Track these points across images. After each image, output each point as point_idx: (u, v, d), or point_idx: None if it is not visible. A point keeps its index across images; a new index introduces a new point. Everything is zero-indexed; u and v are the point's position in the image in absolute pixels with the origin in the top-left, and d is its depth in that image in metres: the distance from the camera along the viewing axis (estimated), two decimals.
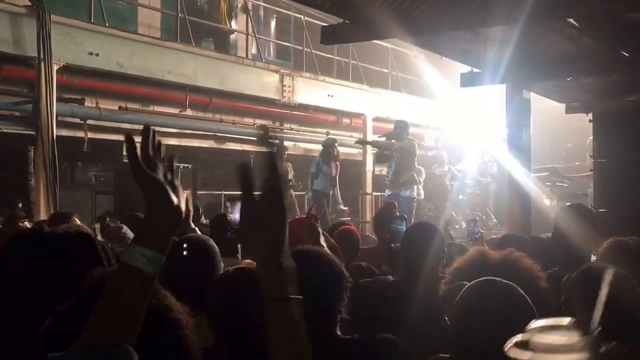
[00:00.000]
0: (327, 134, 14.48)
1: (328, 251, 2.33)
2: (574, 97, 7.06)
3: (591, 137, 7.93)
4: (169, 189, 1.29)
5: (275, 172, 1.34)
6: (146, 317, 1.19)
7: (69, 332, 1.16)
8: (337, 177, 11.95)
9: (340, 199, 12.32)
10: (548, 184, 10.58)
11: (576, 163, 12.98)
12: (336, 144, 11.92)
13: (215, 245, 2.85)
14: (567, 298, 2.31)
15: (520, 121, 6.78)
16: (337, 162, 11.84)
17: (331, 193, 11.71)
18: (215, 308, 2.00)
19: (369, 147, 14.34)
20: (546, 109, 10.96)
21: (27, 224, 6.42)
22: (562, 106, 8.79)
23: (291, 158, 13.19)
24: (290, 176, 11.88)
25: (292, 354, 1.21)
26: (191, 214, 4.20)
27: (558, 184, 11.31)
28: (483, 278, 1.88)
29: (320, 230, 4.31)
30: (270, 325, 1.20)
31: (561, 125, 12.59)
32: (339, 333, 2.05)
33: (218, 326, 1.90)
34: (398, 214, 5.33)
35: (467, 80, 6.65)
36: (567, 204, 4.92)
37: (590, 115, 7.35)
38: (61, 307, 1.23)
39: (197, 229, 4.04)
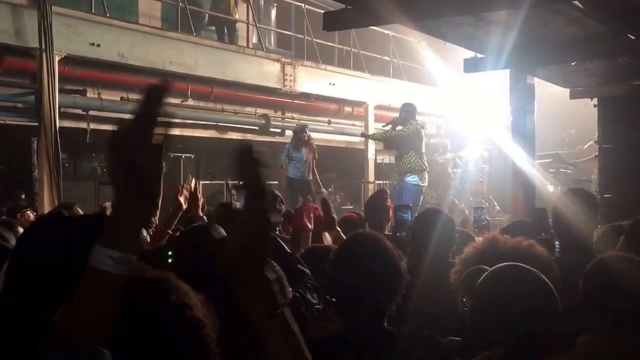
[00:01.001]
0: (329, 122, 14.46)
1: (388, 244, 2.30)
2: (578, 82, 7.02)
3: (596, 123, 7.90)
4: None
5: (258, 182, 1.20)
6: (166, 316, 1.19)
7: None
8: (314, 162, 11.44)
9: (320, 183, 11.87)
10: (552, 170, 10.56)
11: (579, 147, 12.95)
12: (307, 129, 11.49)
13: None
14: (587, 291, 2.29)
15: (524, 107, 6.75)
16: (313, 148, 11.38)
17: (310, 179, 11.18)
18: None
19: None
20: (549, 95, 10.93)
21: (31, 215, 6.42)
22: (566, 92, 8.75)
23: None
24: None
25: None
26: (201, 202, 4.20)
27: (562, 170, 11.30)
28: (510, 263, 1.87)
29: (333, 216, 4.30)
30: (270, 342, 1.15)
31: (564, 111, 12.57)
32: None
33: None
34: (389, 202, 5.28)
35: (471, 66, 6.61)
36: (568, 188, 4.88)
37: (595, 100, 7.32)
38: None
39: (205, 217, 4.03)
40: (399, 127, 9.86)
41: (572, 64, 6.06)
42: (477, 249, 2.52)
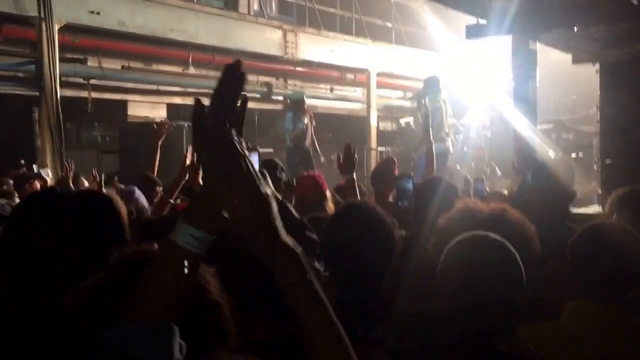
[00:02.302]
0: (331, 90, 14.41)
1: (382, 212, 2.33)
2: (581, 47, 6.96)
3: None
4: (247, 161, 1.11)
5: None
6: (186, 299, 1.17)
7: (95, 308, 1.17)
8: (313, 130, 11.14)
9: (319, 152, 11.60)
10: (553, 135, 10.55)
11: (581, 114, 12.88)
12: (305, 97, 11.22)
13: None
14: (574, 258, 2.31)
15: (526, 73, 6.71)
16: (311, 115, 11.12)
17: (310, 147, 10.87)
18: None
19: (373, 102, 14.30)
20: (551, 61, 10.85)
21: (37, 185, 6.48)
22: (567, 58, 8.67)
23: None
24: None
25: (334, 343, 1.12)
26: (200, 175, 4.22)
27: (563, 136, 11.29)
28: (476, 232, 1.87)
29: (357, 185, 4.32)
30: (302, 310, 1.11)
31: (566, 77, 12.48)
32: None
33: None
34: (397, 171, 5.31)
35: (473, 32, 6.56)
36: (573, 154, 4.88)
37: (597, 66, 7.28)
38: (88, 280, 1.22)
39: None
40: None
41: (575, 29, 6.02)
42: (452, 218, 2.50)
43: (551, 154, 6.56)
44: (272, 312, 1.55)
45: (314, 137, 11.12)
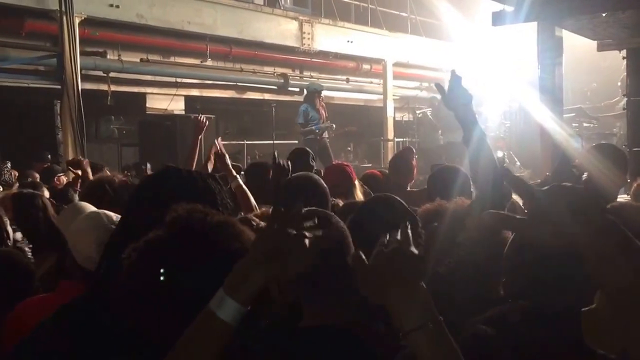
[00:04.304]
0: (347, 80, 14.37)
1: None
2: (607, 34, 6.90)
3: (624, 75, 7.79)
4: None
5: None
6: (227, 261, 1.17)
7: (147, 264, 1.19)
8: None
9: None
10: (575, 124, 10.47)
11: (605, 102, 12.78)
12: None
13: None
14: None
15: (551, 60, 6.67)
16: (324, 106, 10.97)
17: (326, 137, 10.78)
18: None
19: (389, 92, 14.24)
20: (570, 49, 10.77)
21: (64, 179, 6.50)
22: (587, 45, 8.60)
23: None
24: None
25: None
26: (227, 159, 4.23)
27: (585, 124, 11.19)
28: None
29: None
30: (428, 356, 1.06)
31: (586, 64, 12.40)
32: None
33: None
34: (414, 161, 5.29)
35: (499, 19, 6.50)
36: (594, 144, 4.85)
37: (623, 52, 7.21)
38: (146, 236, 1.23)
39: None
40: None
41: (603, 14, 5.96)
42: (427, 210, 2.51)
43: (575, 145, 6.47)
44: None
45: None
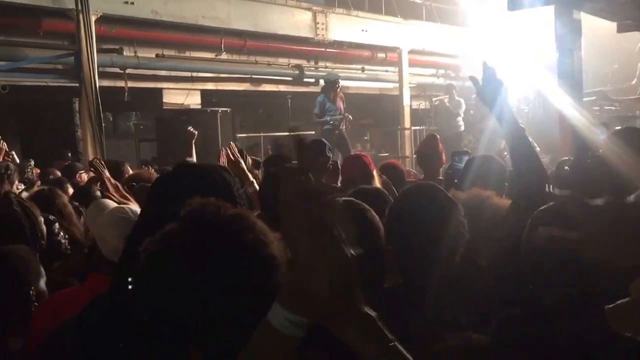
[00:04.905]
0: (363, 70, 14.32)
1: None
2: (626, 15, 6.80)
3: None
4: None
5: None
6: (241, 252, 1.19)
7: (162, 256, 1.21)
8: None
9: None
10: (595, 108, 10.35)
11: (627, 84, 12.58)
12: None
13: None
14: None
15: (570, 44, 6.57)
16: (342, 97, 10.86)
17: (343, 128, 10.65)
18: None
19: (405, 80, 14.17)
20: (589, 31, 10.62)
21: (85, 176, 6.56)
22: (607, 27, 8.48)
23: None
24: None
25: None
26: (242, 164, 4.22)
27: (606, 107, 11.04)
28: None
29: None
30: None
31: (606, 47, 12.21)
32: None
33: None
34: (441, 147, 5.24)
35: (515, 3, 6.44)
36: (614, 130, 4.76)
37: None
38: (161, 230, 1.24)
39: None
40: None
41: None
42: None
43: (596, 131, 6.38)
44: None
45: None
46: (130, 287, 1.20)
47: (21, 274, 2.31)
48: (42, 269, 2.43)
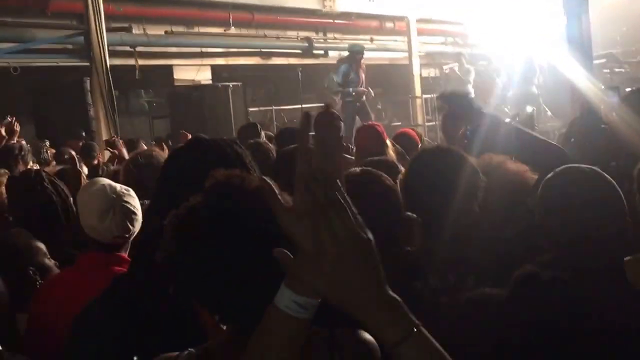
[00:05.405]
0: (371, 40, 14.26)
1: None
2: None
3: None
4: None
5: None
6: (267, 227, 1.17)
7: (188, 229, 1.24)
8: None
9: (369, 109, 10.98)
10: (605, 70, 10.28)
11: (636, 46, 12.48)
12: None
13: None
14: None
15: (577, 9, 6.55)
16: (364, 68, 10.82)
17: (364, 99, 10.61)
18: None
19: (415, 49, 14.08)
20: None
21: (100, 157, 6.68)
22: None
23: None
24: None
25: None
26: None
27: (616, 70, 10.97)
28: (571, 165, 1.92)
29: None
30: None
31: (614, 10, 12.10)
32: None
33: None
34: None
35: None
36: (628, 89, 4.72)
37: None
38: (186, 202, 1.28)
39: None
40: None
41: None
42: None
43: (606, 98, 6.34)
44: None
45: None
46: (156, 260, 1.26)
47: (20, 252, 2.38)
48: (43, 246, 2.47)
